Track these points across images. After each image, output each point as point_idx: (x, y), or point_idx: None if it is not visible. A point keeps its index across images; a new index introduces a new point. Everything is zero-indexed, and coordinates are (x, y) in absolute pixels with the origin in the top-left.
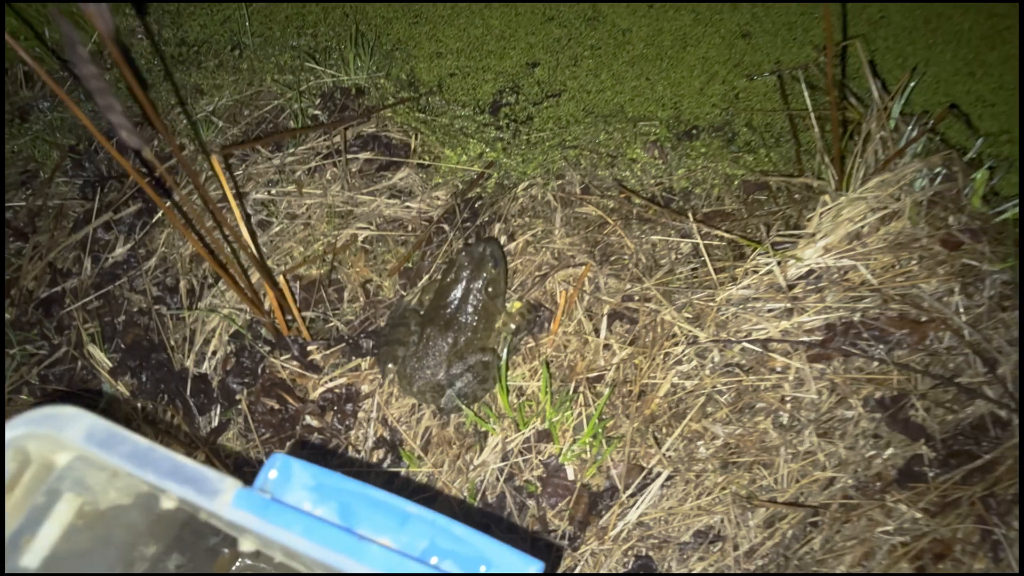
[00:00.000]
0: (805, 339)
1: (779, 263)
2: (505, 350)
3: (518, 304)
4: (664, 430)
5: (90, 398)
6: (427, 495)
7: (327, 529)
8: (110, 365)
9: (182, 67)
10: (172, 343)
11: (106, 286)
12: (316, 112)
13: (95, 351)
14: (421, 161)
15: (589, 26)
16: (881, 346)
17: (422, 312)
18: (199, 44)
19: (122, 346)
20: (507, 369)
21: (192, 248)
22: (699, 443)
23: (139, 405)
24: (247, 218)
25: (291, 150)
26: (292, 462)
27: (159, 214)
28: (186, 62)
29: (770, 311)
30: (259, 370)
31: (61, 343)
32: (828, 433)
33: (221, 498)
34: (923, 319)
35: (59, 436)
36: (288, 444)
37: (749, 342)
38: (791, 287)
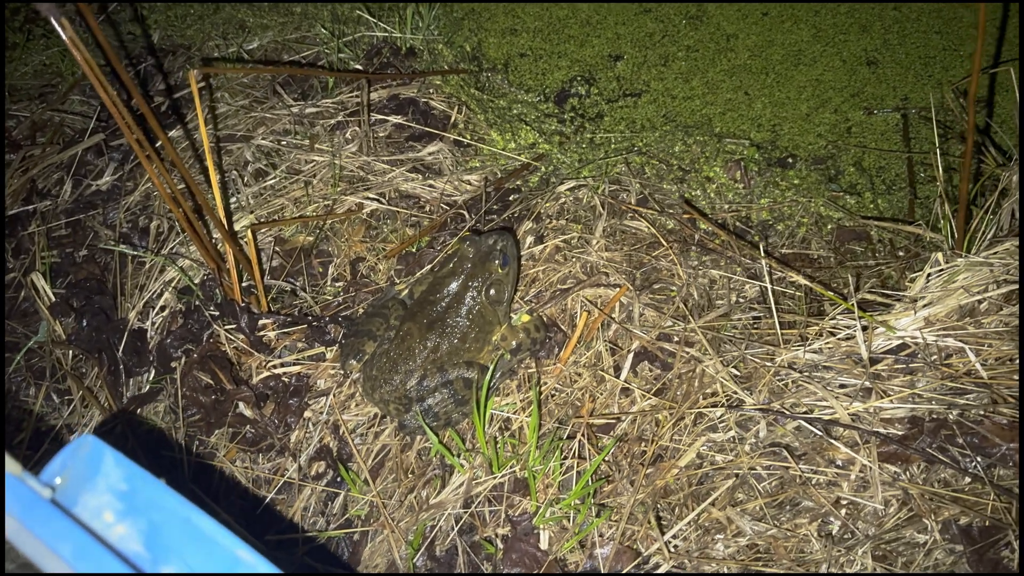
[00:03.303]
0: (881, 431)
1: (865, 328)
2: (497, 369)
3: (526, 317)
4: (676, 511)
5: (22, 334)
6: (363, 530)
7: (106, 561)
8: (52, 300)
9: (234, 3)
10: (123, 289)
11: (79, 214)
12: (357, 66)
13: (39, 281)
14: (460, 138)
15: (690, 25)
16: (979, 459)
17: (408, 305)
18: None
19: (72, 282)
20: (494, 393)
21: (177, 186)
22: (717, 537)
23: (70, 353)
24: (244, 164)
25: (315, 101)
26: (105, 452)
27: (145, 153)
28: None
29: (842, 387)
30: (204, 337)
31: (13, 267)
32: (888, 557)
33: None
34: None
35: None
36: (216, 432)
37: (808, 420)
38: (874, 361)
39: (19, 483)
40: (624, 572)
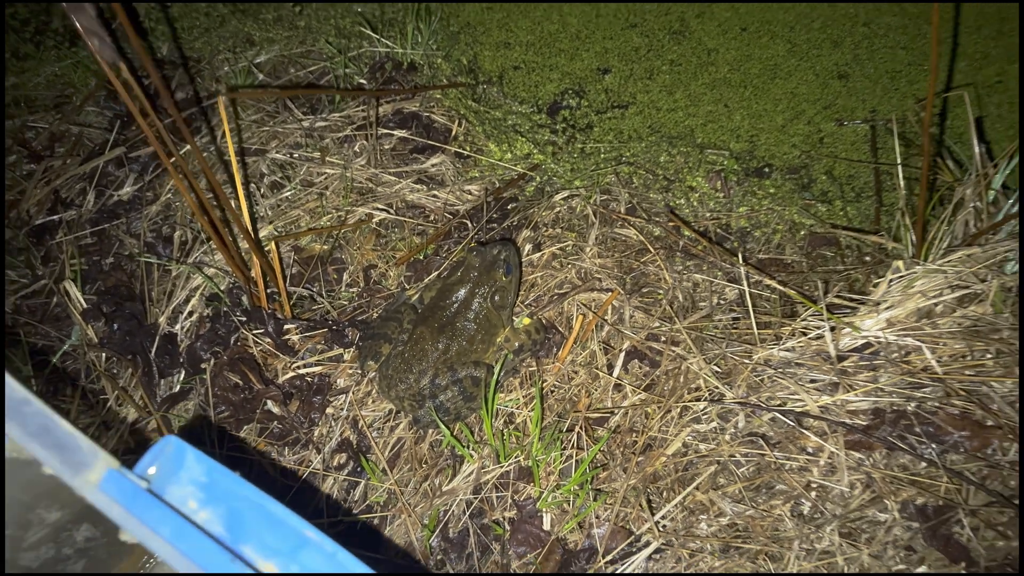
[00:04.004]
0: (847, 421)
1: (833, 328)
2: (501, 368)
3: (527, 320)
4: (664, 495)
5: (56, 338)
6: (382, 515)
7: (200, 541)
8: (84, 306)
9: (240, 16)
10: (151, 295)
11: (103, 224)
12: (362, 81)
13: (71, 288)
14: (460, 150)
15: (673, 40)
16: (934, 445)
17: (419, 310)
18: None
19: (102, 289)
20: (499, 390)
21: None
22: (701, 517)
23: (103, 355)
24: (260, 176)
25: (324, 115)
26: (186, 450)
27: (172, 159)
28: (246, 12)
29: (812, 382)
30: (232, 341)
31: (44, 274)
32: (853, 534)
33: (87, 475)
34: (988, 423)
35: None
36: (245, 428)
37: (781, 412)
38: (841, 359)
39: (119, 475)
40: None
